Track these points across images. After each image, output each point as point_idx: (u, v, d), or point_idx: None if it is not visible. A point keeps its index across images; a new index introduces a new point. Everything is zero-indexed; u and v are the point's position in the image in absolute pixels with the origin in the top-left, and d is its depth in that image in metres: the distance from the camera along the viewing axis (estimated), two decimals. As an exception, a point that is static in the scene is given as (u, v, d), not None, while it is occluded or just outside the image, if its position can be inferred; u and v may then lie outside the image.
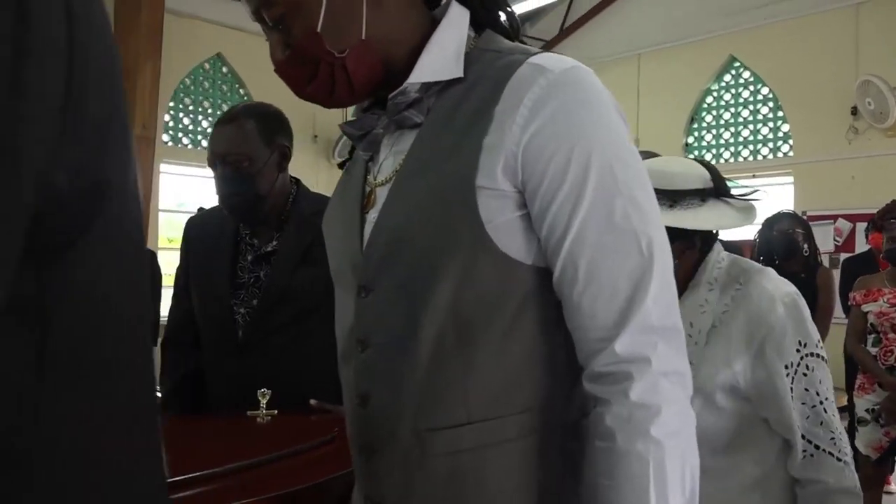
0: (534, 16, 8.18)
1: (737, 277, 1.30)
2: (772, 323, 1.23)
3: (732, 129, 7.43)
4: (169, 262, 4.28)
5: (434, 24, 0.84)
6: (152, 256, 5.11)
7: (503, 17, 0.89)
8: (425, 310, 0.76)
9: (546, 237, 0.75)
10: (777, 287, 1.27)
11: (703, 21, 7.22)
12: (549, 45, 8.54)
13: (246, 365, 1.63)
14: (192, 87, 7.17)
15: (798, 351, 1.23)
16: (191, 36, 6.77)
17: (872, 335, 3.22)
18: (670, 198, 1.28)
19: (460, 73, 0.80)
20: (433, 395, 0.77)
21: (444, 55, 0.81)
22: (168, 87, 6.69)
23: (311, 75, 0.81)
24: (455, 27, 0.83)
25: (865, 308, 3.24)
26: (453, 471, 0.77)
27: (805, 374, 1.22)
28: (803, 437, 1.21)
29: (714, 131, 7.56)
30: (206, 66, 7.26)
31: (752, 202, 1.36)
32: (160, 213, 6.83)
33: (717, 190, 1.32)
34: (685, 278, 1.34)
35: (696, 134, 7.63)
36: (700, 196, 1.29)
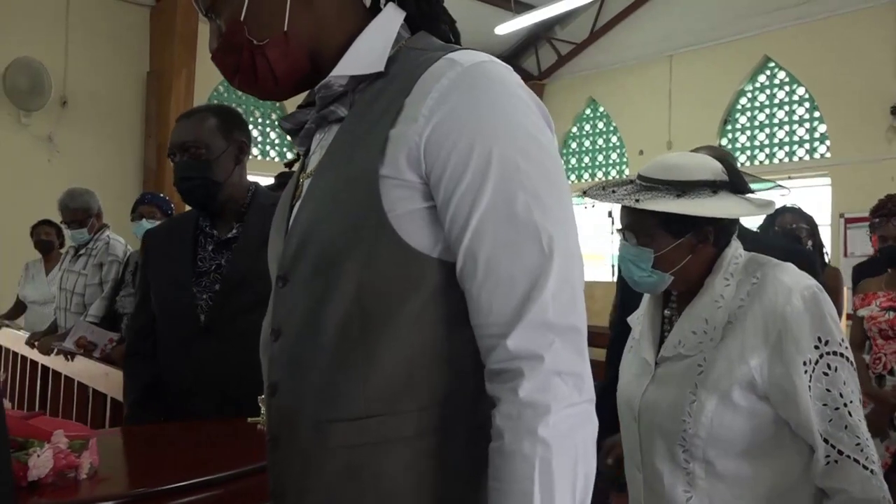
0: (564, 18, 8.15)
1: (754, 272, 1.27)
2: (787, 316, 1.18)
3: (767, 131, 7.31)
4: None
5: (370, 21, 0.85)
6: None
7: (445, 26, 0.90)
8: (330, 299, 0.76)
9: (448, 229, 0.75)
10: (796, 280, 1.22)
11: (735, 21, 7.12)
12: (579, 48, 8.50)
13: (209, 349, 1.66)
14: (226, 94, 7.26)
15: (817, 348, 1.17)
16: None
17: (867, 341, 2.99)
18: (677, 188, 1.26)
19: (381, 68, 0.81)
20: (334, 386, 0.76)
21: (369, 51, 0.83)
22: (203, 93, 6.79)
23: (236, 64, 0.84)
24: (385, 25, 0.85)
25: (860, 313, 3.03)
26: (349, 465, 0.76)
27: (826, 374, 1.17)
28: (826, 441, 1.15)
29: (748, 133, 7.44)
30: (239, 72, 7.35)
31: (770, 199, 1.34)
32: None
33: (733, 185, 1.29)
34: (700, 273, 1.31)
35: (729, 136, 7.52)
36: (710, 187, 1.27)
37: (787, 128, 7.19)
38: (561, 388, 0.71)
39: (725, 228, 1.31)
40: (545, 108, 0.80)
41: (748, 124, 7.43)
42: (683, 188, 1.26)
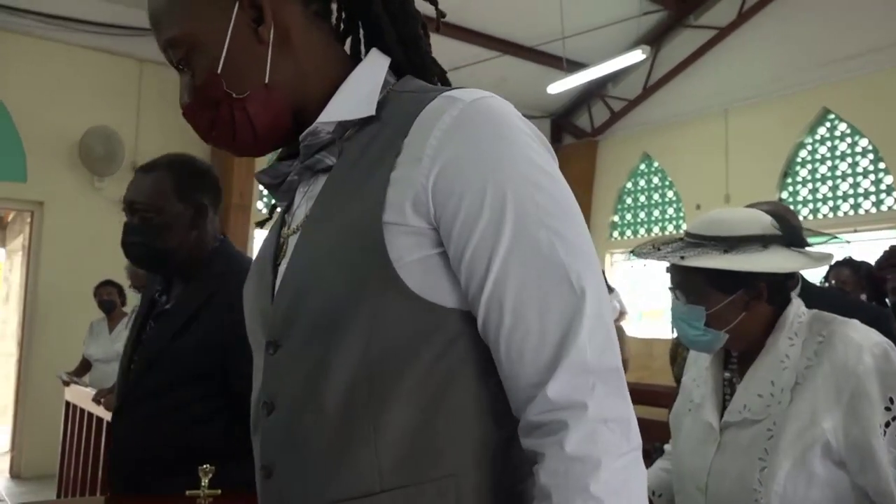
0: (616, 76, 8.21)
1: (819, 330, 1.21)
2: (860, 374, 1.12)
3: (830, 183, 7.13)
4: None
5: (352, 70, 0.81)
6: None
7: (432, 70, 0.86)
8: (333, 364, 0.69)
9: (466, 281, 0.69)
10: (865, 336, 1.17)
11: (792, 74, 7.04)
12: (632, 104, 8.53)
13: (118, 430, 1.56)
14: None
15: (889, 409, 1.11)
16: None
17: None
18: (725, 244, 1.23)
19: (372, 112, 0.76)
20: (342, 461, 0.69)
21: (357, 96, 0.77)
22: (262, 157, 7.01)
23: (212, 120, 0.78)
24: (372, 69, 0.80)
25: None
26: None
27: None
28: None
29: (810, 185, 7.27)
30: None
31: (828, 252, 1.29)
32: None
33: (787, 238, 1.25)
34: (758, 332, 1.26)
35: (790, 189, 7.36)
36: (760, 242, 1.23)
37: (850, 180, 7.00)
38: (609, 438, 0.65)
39: (780, 284, 1.27)
40: (546, 140, 0.76)
41: (809, 177, 7.27)
42: (730, 244, 1.23)
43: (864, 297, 3.35)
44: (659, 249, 1.30)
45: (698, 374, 1.42)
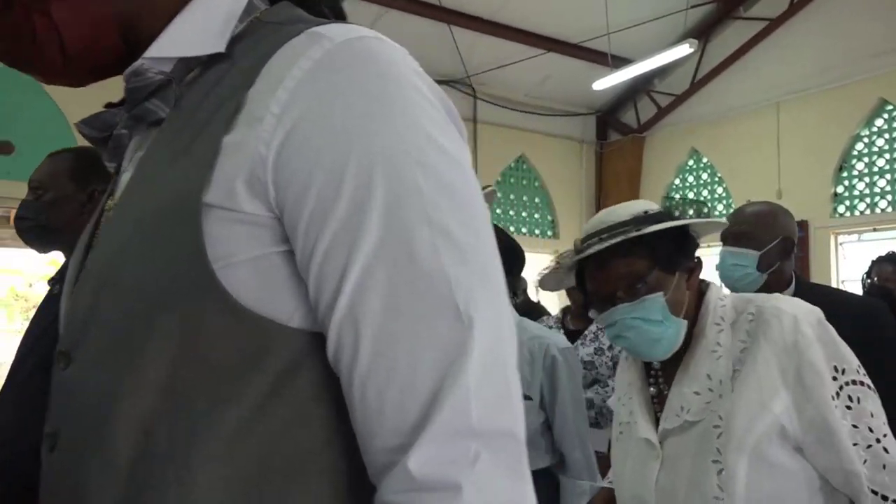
0: (663, 71, 8.08)
1: (745, 309, 1.11)
2: (802, 347, 1.02)
3: (889, 177, 6.90)
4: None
5: None
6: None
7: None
8: (128, 388, 0.50)
9: (315, 293, 0.50)
10: (796, 306, 1.07)
11: (846, 65, 6.83)
12: (679, 99, 8.39)
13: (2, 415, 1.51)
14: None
15: (835, 379, 1.01)
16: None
17: None
18: (634, 224, 1.13)
19: (221, 48, 0.56)
20: None
21: (204, 25, 0.58)
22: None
23: (1, 25, 0.56)
24: None
25: None
26: None
27: (849, 407, 1.00)
28: (871, 490, 0.97)
29: (867, 179, 7.04)
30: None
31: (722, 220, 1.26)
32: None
33: (658, 216, 1.17)
34: (691, 319, 1.16)
35: (846, 183, 7.15)
36: (666, 217, 1.16)
37: (910, 172, 6.77)
38: None
39: (701, 264, 1.20)
40: (455, 110, 0.57)
41: (866, 170, 7.04)
42: (659, 216, 1.16)
43: None
44: (601, 239, 1.16)
45: (621, 391, 1.30)
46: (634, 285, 1.13)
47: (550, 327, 3.34)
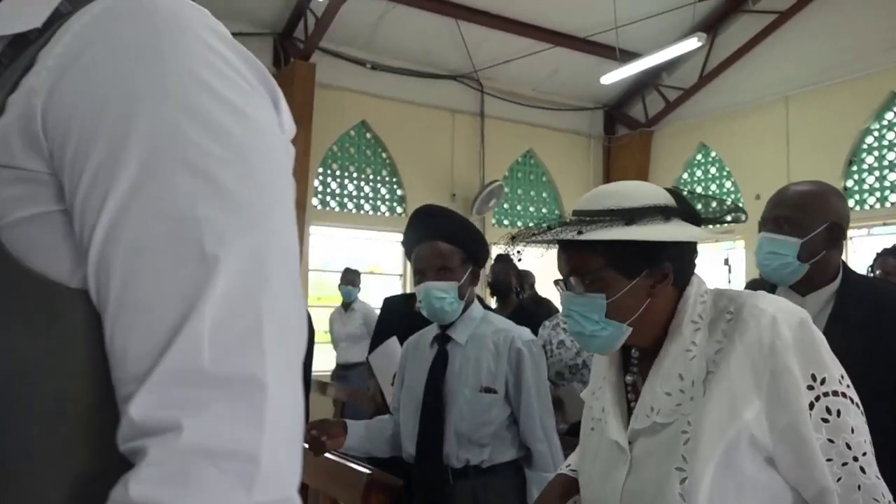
0: (671, 65, 8.05)
1: (726, 307, 1.05)
2: (779, 350, 0.96)
3: (898, 171, 6.86)
4: (317, 320, 4.49)
5: None
6: (307, 315, 5.43)
7: None
8: None
9: (79, 228, 0.49)
10: (778, 306, 1.00)
11: (857, 58, 6.79)
12: (687, 93, 8.35)
13: None
14: (339, 153, 7.58)
15: (812, 388, 0.95)
16: (337, 106, 7.21)
17: None
18: (624, 216, 1.05)
19: (37, 23, 0.53)
20: None
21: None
22: (317, 154, 7.12)
23: None
24: None
25: None
26: None
27: (826, 420, 0.94)
28: None
29: (877, 173, 7.00)
30: (352, 132, 7.66)
31: (728, 226, 1.17)
32: (309, 273, 7.20)
33: (684, 212, 1.10)
34: (663, 323, 1.09)
35: (855, 177, 7.11)
36: (663, 213, 1.07)
37: (921, 166, 6.72)
38: (212, 484, 0.43)
39: (685, 265, 1.11)
40: (268, 76, 0.56)
41: (876, 164, 7.00)
42: (631, 215, 1.06)
43: None
44: (550, 229, 1.11)
45: (595, 383, 1.24)
46: (583, 278, 1.09)
47: (557, 325, 3.35)
